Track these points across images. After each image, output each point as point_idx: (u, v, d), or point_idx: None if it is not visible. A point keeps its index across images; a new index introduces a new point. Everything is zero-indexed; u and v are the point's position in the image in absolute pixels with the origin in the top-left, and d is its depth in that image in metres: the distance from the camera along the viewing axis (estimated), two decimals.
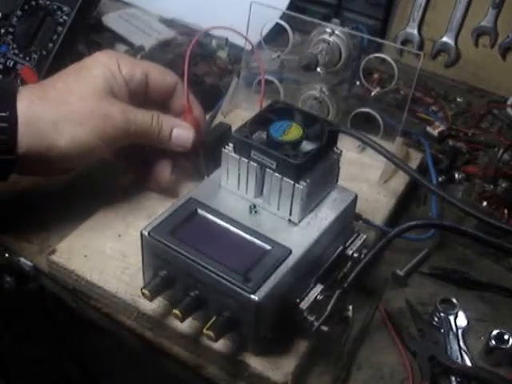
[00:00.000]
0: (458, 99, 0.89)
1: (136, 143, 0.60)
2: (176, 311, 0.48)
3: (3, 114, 0.53)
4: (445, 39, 0.91)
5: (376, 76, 0.88)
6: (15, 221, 0.62)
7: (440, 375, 0.53)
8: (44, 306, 0.65)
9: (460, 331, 0.56)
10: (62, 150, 0.55)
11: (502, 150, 0.72)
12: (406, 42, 0.94)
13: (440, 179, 0.73)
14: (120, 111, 0.57)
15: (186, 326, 0.52)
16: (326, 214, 0.54)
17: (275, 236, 0.51)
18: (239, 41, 0.85)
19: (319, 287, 0.51)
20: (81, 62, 0.60)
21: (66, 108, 0.56)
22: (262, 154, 0.51)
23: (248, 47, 0.74)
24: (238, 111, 0.78)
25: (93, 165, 0.63)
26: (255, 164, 0.52)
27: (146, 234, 0.51)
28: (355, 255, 0.55)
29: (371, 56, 0.71)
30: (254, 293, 0.46)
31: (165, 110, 0.63)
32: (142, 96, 0.61)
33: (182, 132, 0.61)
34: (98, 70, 0.58)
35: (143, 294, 0.50)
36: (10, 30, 0.77)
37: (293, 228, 0.53)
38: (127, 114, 0.58)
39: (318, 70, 0.73)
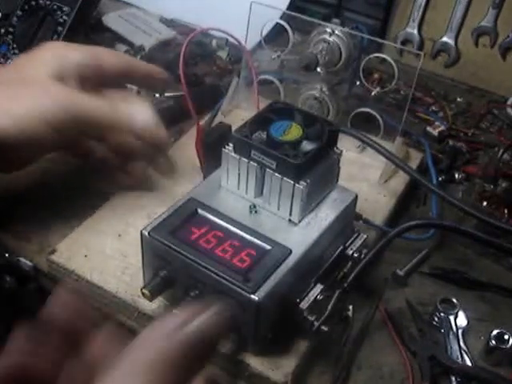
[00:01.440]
0: (458, 99, 0.89)
1: (94, 134, 0.58)
2: (176, 311, 0.48)
3: None
4: (445, 39, 0.91)
5: (376, 76, 0.88)
6: (15, 220, 0.62)
7: (440, 375, 0.53)
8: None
9: (460, 331, 0.56)
10: (10, 136, 0.53)
11: (501, 150, 0.72)
12: (405, 41, 0.94)
13: (440, 179, 0.73)
14: (69, 95, 0.56)
15: None
16: (325, 214, 0.54)
17: (275, 236, 0.51)
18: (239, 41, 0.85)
19: (319, 287, 0.51)
20: (32, 50, 0.60)
21: (14, 91, 0.55)
22: (262, 153, 0.51)
23: (248, 47, 0.74)
24: (238, 111, 0.78)
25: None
26: (255, 164, 0.52)
27: (146, 233, 0.51)
28: (355, 255, 0.56)
29: (371, 56, 0.71)
30: (254, 293, 0.46)
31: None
32: (95, 81, 0.60)
33: (139, 109, 0.59)
34: (47, 55, 0.58)
35: (143, 294, 0.50)
36: (10, 29, 0.77)
37: (293, 228, 0.52)
38: (78, 98, 0.56)
39: (318, 69, 0.73)
